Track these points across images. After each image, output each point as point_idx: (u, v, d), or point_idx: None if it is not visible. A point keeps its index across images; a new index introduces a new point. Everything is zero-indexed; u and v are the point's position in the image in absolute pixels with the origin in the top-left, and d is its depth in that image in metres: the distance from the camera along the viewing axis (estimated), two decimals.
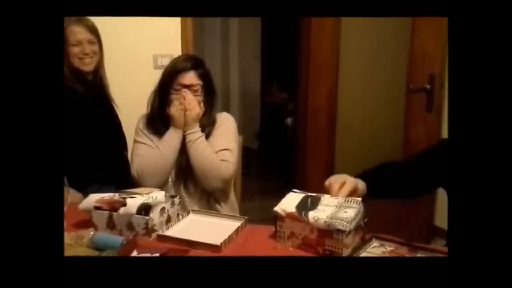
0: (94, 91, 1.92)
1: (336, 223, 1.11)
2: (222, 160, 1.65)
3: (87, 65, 1.88)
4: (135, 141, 1.75)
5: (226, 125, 1.75)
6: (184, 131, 1.66)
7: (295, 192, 1.28)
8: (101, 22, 1.91)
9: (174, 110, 1.66)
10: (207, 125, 1.71)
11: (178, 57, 1.82)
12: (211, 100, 1.74)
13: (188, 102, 1.64)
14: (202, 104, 1.69)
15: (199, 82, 1.68)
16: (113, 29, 1.95)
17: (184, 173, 1.69)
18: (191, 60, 1.72)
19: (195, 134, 1.66)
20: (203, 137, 1.67)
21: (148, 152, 1.69)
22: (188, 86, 1.66)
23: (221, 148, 1.67)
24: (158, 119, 1.72)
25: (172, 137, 1.67)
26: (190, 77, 1.67)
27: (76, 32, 1.84)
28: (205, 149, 1.64)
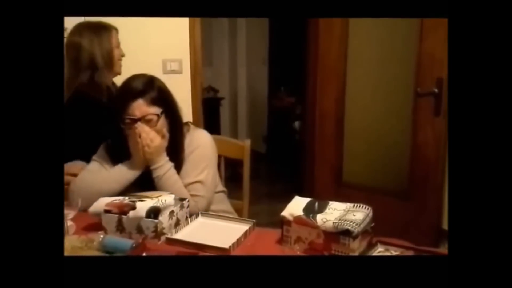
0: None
1: (345, 224, 1.11)
2: (192, 195, 1.49)
3: (120, 68, 1.92)
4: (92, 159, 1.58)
5: (201, 148, 1.57)
6: (149, 166, 1.49)
7: (299, 197, 1.29)
8: None
9: (132, 146, 1.47)
10: (179, 151, 1.54)
11: (128, 80, 1.50)
12: (175, 124, 1.54)
13: (144, 138, 1.44)
14: (165, 129, 1.49)
15: (153, 110, 1.45)
16: (122, 33, 1.96)
17: None
18: (139, 85, 1.46)
19: (161, 169, 1.49)
20: (171, 169, 1.50)
21: (98, 173, 1.53)
22: (140, 119, 1.44)
23: (191, 181, 1.52)
24: (116, 151, 1.53)
25: (126, 173, 1.50)
26: (140, 107, 1.43)
27: (114, 35, 1.88)
28: (174, 185, 1.48)
